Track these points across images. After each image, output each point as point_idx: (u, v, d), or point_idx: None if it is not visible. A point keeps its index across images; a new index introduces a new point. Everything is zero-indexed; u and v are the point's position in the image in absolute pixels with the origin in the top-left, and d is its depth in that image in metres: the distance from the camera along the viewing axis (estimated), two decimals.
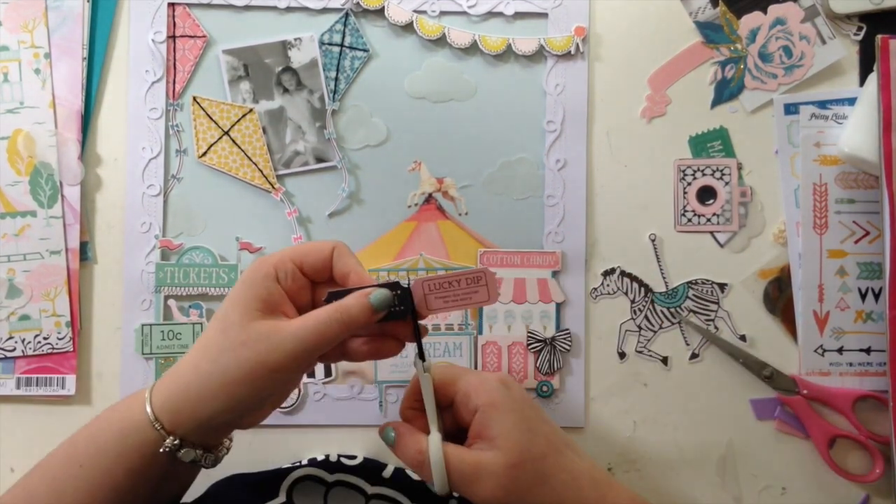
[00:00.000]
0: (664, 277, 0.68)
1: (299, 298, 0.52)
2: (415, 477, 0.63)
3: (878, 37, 0.63)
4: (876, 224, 0.66)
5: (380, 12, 0.67)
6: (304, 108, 0.68)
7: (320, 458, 0.64)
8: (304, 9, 0.67)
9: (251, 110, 0.67)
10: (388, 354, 0.53)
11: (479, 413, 0.52)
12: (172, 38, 0.67)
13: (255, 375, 0.49)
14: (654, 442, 0.68)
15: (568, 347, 0.67)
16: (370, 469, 0.63)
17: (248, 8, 0.67)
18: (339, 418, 0.67)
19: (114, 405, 0.53)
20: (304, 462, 0.64)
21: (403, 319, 0.52)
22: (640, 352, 0.68)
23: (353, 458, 0.64)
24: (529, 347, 0.67)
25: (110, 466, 0.50)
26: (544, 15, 0.68)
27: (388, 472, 0.63)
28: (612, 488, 0.53)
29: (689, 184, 0.68)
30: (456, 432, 0.55)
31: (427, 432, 0.53)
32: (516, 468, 0.51)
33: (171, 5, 0.67)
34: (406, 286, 0.52)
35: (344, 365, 0.67)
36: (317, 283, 0.53)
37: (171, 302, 0.66)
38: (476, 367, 0.67)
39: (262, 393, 0.50)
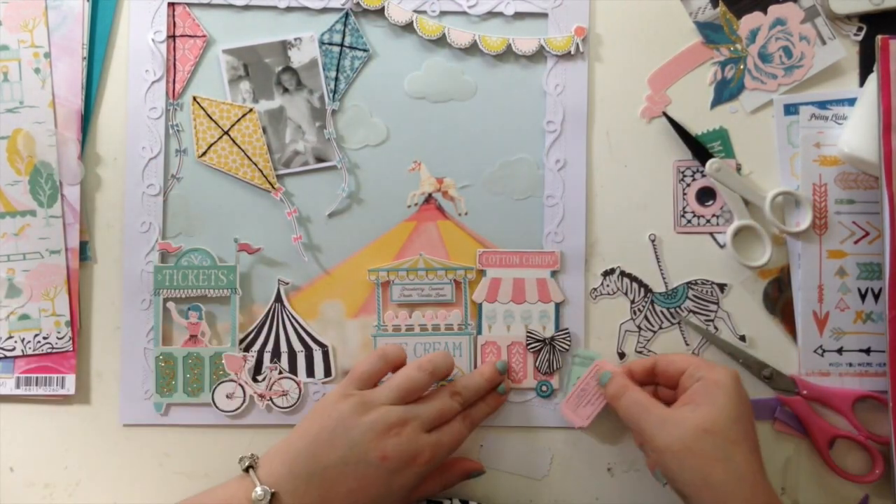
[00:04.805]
0: (664, 278, 0.68)
1: None
2: None
3: (878, 37, 0.63)
4: (876, 224, 0.66)
5: (380, 12, 0.67)
6: (304, 107, 0.68)
7: None
8: (304, 9, 0.67)
9: (251, 110, 0.67)
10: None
11: (700, 384, 0.58)
12: (172, 37, 0.67)
13: None
14: None
15: (567, 347, 0.67)
16: None
17: (248, 8, 0.67)
18: None
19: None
20: None
21: None
22: (640, 352, 0.68)
23: None
24: (529, 347, 0.67)
25: None
26: (544, 15, 0.68)
27: None
28: None
29: (689, 185, 0.68)
30: None
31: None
32: (704, 436, 0.55)
33: (171, 5, 0.67)
34: None
35: (343, 364, 0.67)
36: None
37: (171, 304, 0.66)
38: (476, 368, 0.67)
39: None
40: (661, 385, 0.64)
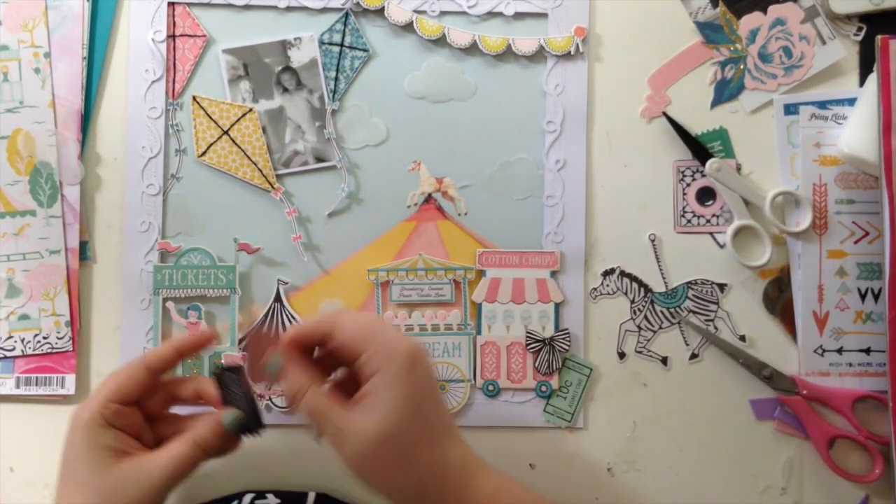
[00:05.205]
0: (664, 278, 0.68)
1: (133, 425, 0.56)
2: None
3: (878, 37, 0.63)
4: (876, 224, 0.66)
5: (380, 12, 0.67)
6: (303, 107, 0.68)
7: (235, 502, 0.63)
8: (304, 8, 0.67)
9: (251, 110, 0.67)
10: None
11: (377, 377, 0.52)
12: (172, 37, 0.67)
13: None
14: (654, 442, 0.67)
15: (567, 347, 0.67)
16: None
17: (247, 7, 0.67)
18: None
19: None
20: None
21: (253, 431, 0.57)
22: (640, 352, 0.68)
23: (265, 497, 0.63)
24: (528, 347, 0.67)
25: None
26: (544, 15, 0.68)
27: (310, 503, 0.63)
28: (477, 477, 0.53)
29: (689, 185, 0.68)
30: (349, 381, 0.56)
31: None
32: (380, 447, 0.51)
33: (171, 4, 0.67)
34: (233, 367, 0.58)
35: None
36: (142, 401, 0.57)
37: (170, 304, 0.66)
38: (475, 369, 0.67)
39: None
40: (341, 360, 0.57)
